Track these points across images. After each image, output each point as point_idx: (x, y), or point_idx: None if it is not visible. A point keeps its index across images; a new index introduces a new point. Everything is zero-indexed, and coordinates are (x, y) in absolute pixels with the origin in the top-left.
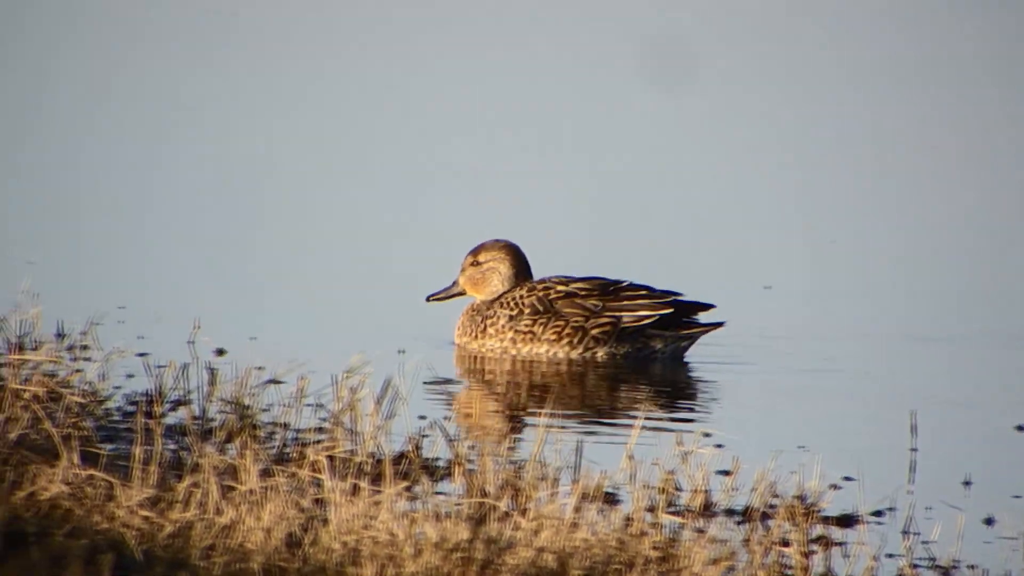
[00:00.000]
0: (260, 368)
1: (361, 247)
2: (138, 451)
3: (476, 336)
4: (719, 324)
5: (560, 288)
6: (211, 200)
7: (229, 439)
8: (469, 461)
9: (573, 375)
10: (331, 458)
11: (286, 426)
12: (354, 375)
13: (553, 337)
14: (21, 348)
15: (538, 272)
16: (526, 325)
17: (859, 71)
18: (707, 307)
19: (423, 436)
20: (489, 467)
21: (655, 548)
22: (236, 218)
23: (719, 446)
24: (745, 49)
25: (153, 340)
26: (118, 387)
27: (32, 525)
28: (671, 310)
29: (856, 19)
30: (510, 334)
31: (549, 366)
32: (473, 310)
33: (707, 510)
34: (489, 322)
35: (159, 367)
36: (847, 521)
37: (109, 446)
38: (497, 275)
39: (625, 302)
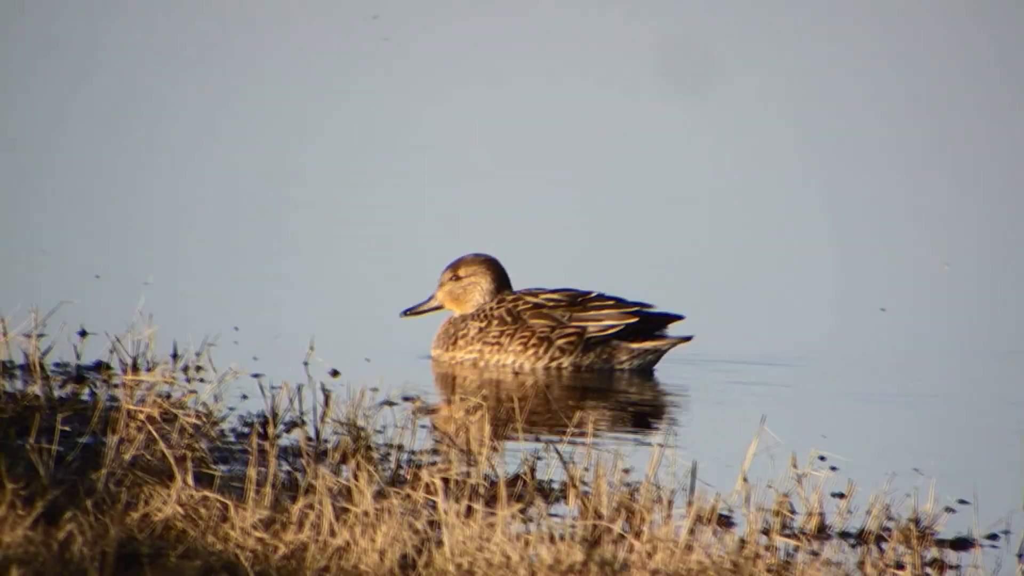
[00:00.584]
0: (374, 389)
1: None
2: (252, 472)
3: (447, 348)
4: (687, 338)
5: (529, 299)
6: (328, 219)
7: (343, 460)
8: (583, 483)
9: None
10: (446, 480)
11: (400, 448)
12: (467, 396)
13: (519, 348)
14: (136, 369)
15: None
16: (494, 336)
17: (884, 79)
18: (676, 319)
19: (537, 458)
20: (603, 489)
21: (769, 571)
22: (353, 238)
23: (834, 468)
24: (763, 56)
25: (268, 361)
26: (232, 408)
27: (146, 546)
28: (636, 319)
29: (880, 25)
30: (478, 345)
31: (600, 382)
32: (449, 323)
33: (821, 532)
34: (460, 334)
35: (274, 388)
36: (962, 544)
37: (223, 467)
38: (479, 289)
39: (591, 312)
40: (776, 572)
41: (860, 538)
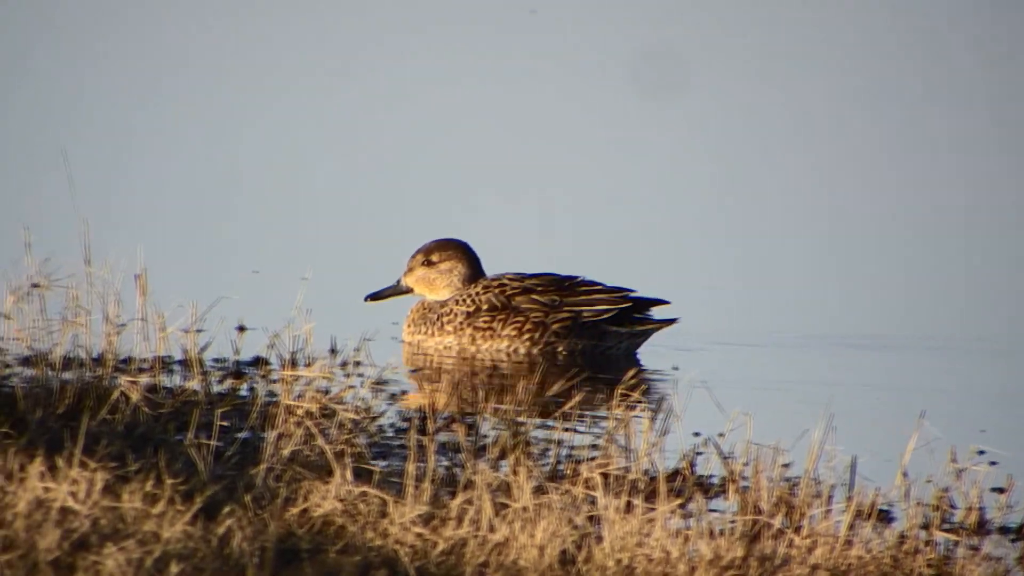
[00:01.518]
0: (535, 384)
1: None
2: (411, 468)
3: (432, 333)
4: (672, 320)
5: (515, 284)
6: (465, 206)
7: (502, 456)
8: (743, 478)
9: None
10: (605, 475)
11: (560, 443)
12: (628, 391)
13: (513, 333)
14: (294, 364)
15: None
16: (484, 322)
17: (861, 85)
18: (661, 303)
19: (697, 453)
20: (763, 484)
21: (929, 566)
22: (506, 225)
23: (993, 463)
24: (738, 61)
25: (431, 357)
26: (391, 404)
27: (305, 541)
28: (629, 304)
29: (859, 31)
30: (468, 331)
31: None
32: (425, 308)
33: (981, 528)
34: (446, 319)
35: (432, 384)
36: None
37: (382, 463)
38: (457, 275)
39: (582, 296)
40: (936, 567)
41: (1020, 533)
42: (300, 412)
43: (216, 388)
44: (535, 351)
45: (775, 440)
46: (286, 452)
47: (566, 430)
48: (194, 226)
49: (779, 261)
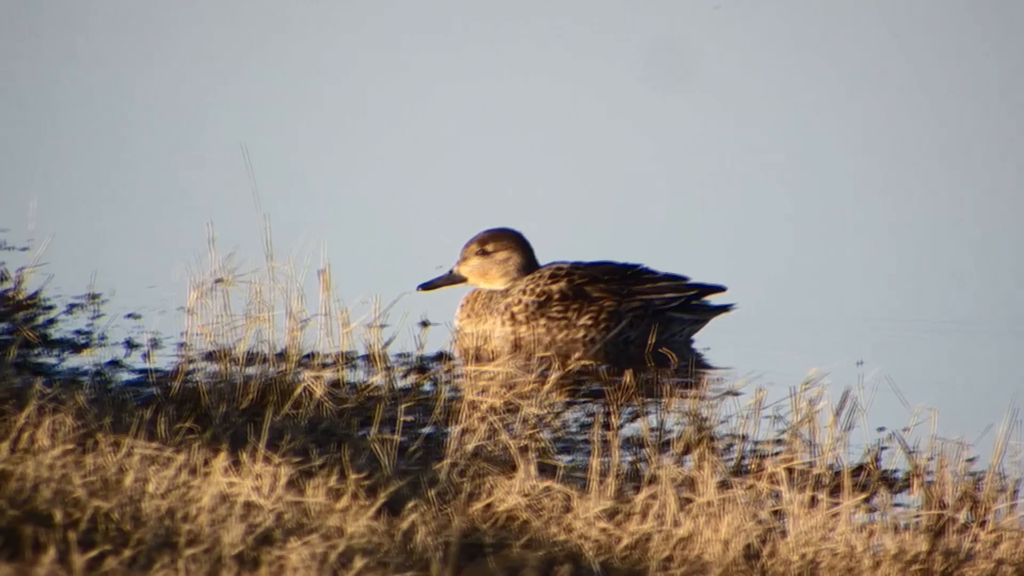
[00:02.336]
0: (718, 380)
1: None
2: (595, 463)
3: (503, 323)
4: (729, 307)
5: (582, 272)
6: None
7: (687, 451)
8: (927, 473)
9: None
10: (789, 470)
11: (744, 438)
12: (812, 386)
13: (589, 322)
14: (478, 359)
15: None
16: (558, 311)
17: (866, 77)
18: (719, 289)
19: (881, 448)
20: (947, 478)
21: None
22: (529, 214)
23: None
24: (745, 53)
25: (613, 352)
26: (575, 398)
27: (489, 536)
28: (696, 291)
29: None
30: (542, 320)
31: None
32: (484, 296)
33: None
34: (516, 309)
35: (615, 380)
36: None
37: (566, 458)
38: (513, 264)
39: (648, 285)
40: None
41: None
42: (484, 407)
43: (399, 383)
44: (608, 340)
45: (959, 435)
46: (470, 447)
47: (749, 425)
48: (378, 221)
49: (837, 248)
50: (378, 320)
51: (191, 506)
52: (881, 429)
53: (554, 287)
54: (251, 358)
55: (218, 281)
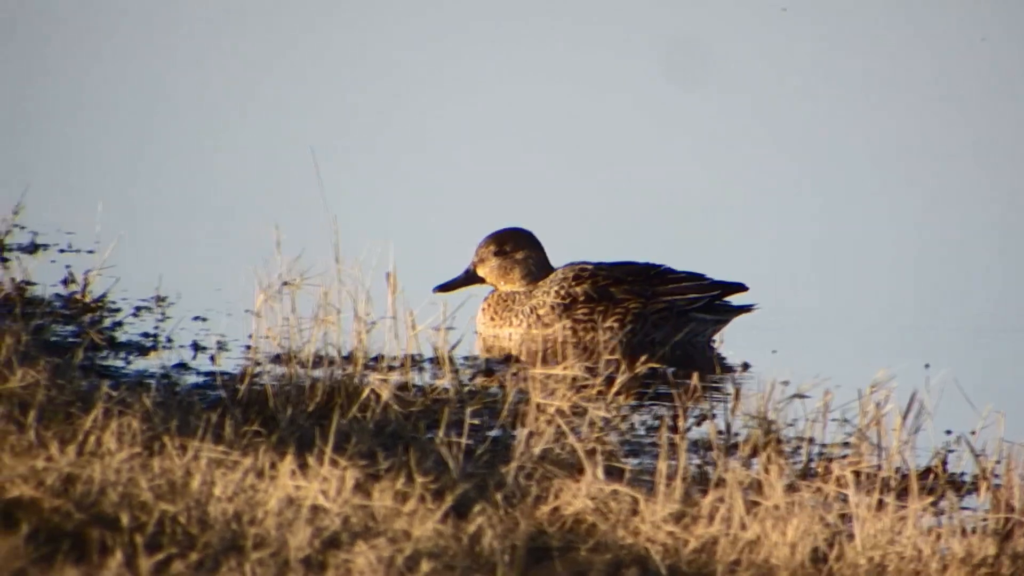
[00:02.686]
0: (785, 382)
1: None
2: (662, 466)
3: (528, 326)
4: (751, 307)
5: (605, 273)
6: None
7: (754, 454)
8: (995, 476)
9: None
10: (856, 473)
11: (811, 441)
12: (879, 388)
13: (615, 324)
14: (545, 361)
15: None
16: (584, 313)
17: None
18: (741, 288)
19: (949, 451)
20: (1015, 482)
21: None
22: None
23: None
24: (763, 49)
25: (680, 355)
26: (641, 402)
27: (556, 539)
28: (718, 291)
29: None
30: (568, 322)
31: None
32: (506, 298)
33: None
34: (542, 311)
35: (684, 382)
36: None
37: (633, 461)
38: (532, 263)
39: (671, 285)
40: None
41: None
42: (551, 410)
43: (466, 386)
44: (634, 342)
45: None
46: (537, 450)
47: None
48: (444, 223)
49: (870, 247)
50: (445, 323)
51: (258, 509)
52: (948, 432)
53: (579, 288)
54: (318, 361)
55: (285, 284)
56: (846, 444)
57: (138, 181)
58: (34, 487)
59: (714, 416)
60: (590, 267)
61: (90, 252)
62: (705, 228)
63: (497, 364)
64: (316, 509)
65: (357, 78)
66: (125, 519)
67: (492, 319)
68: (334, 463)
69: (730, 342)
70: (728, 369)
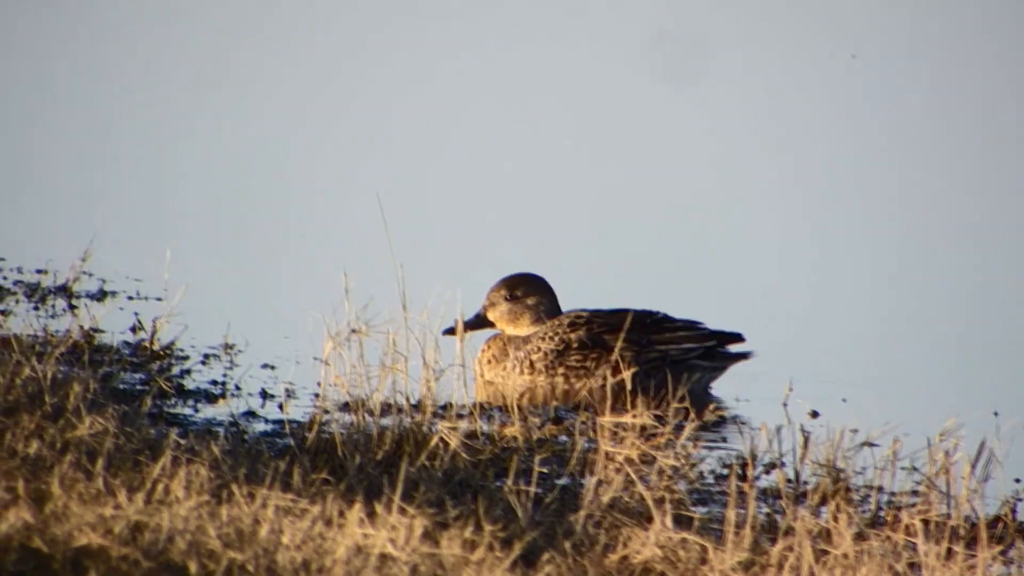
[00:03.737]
0: (854, 430)
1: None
2: (731, 514)
3: (522, 372)
4: (747, 354)
5: (601, 321)
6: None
7: (823, 502)
8: None
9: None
10: (925, 521)
11: (880, 489)
12: (948, 436)
13: (608, 372)
14: (614, 411)
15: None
16: (576, 360)
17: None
18: (738, 339)
19: (1018, 499)
20: None
21: None
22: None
23: None
24: (759, 44)
25: (749, 403)
26: (711, 449)
27: None
28: (714, 342)
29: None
30: (561, 369)
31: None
32: (504, 344)
33: None
34: (535, 357)
35: (752, 430)
36: None
37: (702, 509)
38: (543, 309)
39: (667, 334)
40: None
41: None
42: (620, 458)
43: (535, 434)
44: (627, 389)
45: None
46: (605, 498)
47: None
48: (513, 270)
49: (849, 267)
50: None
51: (326, 558)
52: (1017, 480)
53: (573, 335)
54: (386, 409)
55: (353, 331)
56: (915, 492)
57: (206, 228)
58: (102, 535)
59: (783, 464)
60: (585, 314)
61: (158, 299)
62: (733, 270)
63: (566, 412)
64: (384, 557)
65: (424, 122)
66: (193, 567)
67: (489, 362)
68: (402, 511)
69: (801, 390)
70: (814, 415)
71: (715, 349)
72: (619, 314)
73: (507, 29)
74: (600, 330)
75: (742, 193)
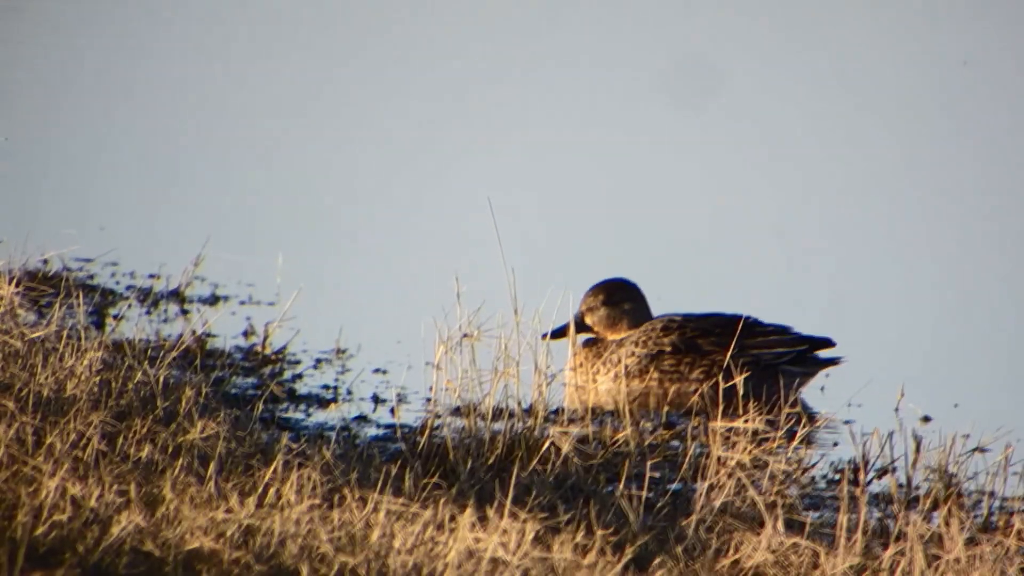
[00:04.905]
0: (965, 436)
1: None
2: (843, 519)
3: (615, 376)
4: (838, 359)
5: (693, 326)
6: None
7: (934, 507)
8: None
9: None
10: None
11: (991, 494)
12: None
13: (702, 376)
14: (726, 414)
15: None
16: (671, 365)
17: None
18: (829, 344)
19: None
20: None
21: None
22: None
23: None
24: (770, 68)
25: (861, 407)
26: (823, 454)
27: None
28: (806, 346)
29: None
30: (655, 374)
31: None
32: (596, 349)
33: None
34: (629, 362)
35: (864, 435)
36: None
37: (813, 514)
38: (638, 315)
39: (759, 339)
40: None
41: None
42: (732, 463)
43: (647, 439)
44: (719, 394)
45: None
46: (717, 503)
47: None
48: (622, 273)
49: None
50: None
51: (438, 562)
52: None
53: (666, 340)
54: (498, 413)
55: (465, 336)
56: None
57: (319, 233)
58: (214, 539)
59: (895, 469)
60: (678, 319)
61: (270, 304)
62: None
63: (678, 417)
64: (496, 562)
65: (533, 122)
66: (305, 571)
67: (580, 366)
68: (514, 516)
69: (913, 395)
70: (926, 420)
71: (806, 354)
72: (711, 318)
73: (523, 56)
74: (693, 335)
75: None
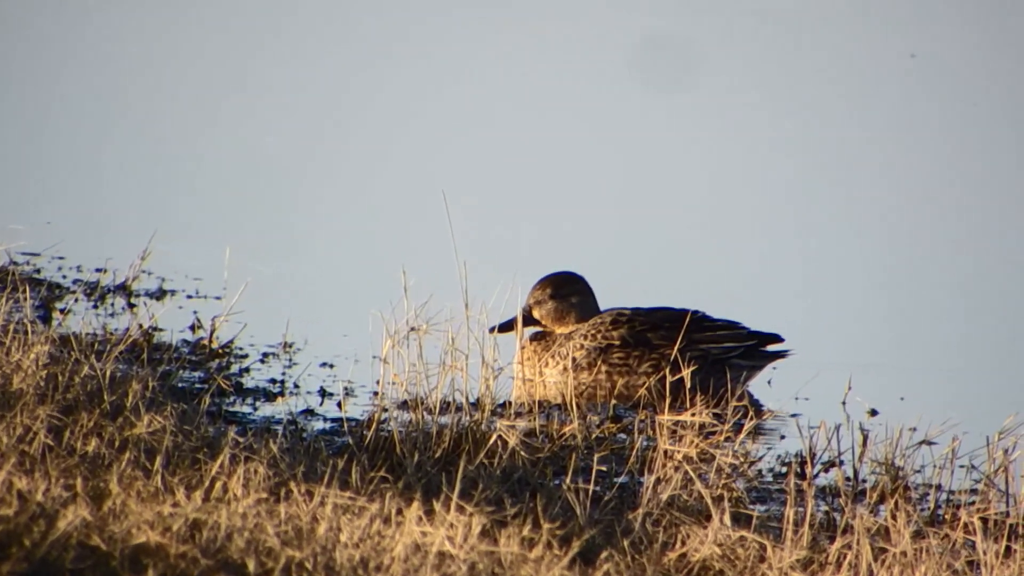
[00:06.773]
0: (912, 429)
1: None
2: (790, 512)
3: (563, 369)
4: (784, 353)
5: (642, 319)
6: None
7: (881, 500)
8: None
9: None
10: (984, 520)
11: (938, 487)
12: (1007, 435)
13: (650, 370)
14: (671, 408)
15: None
16: (619, 358)
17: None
18: (776, 339)
19: None
20: None
21: None
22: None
23: None
24: (747, 51)
25: (808, 401)
26: (770, 448)
27: None
28: (755, 341)
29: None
30: (604, 367)
31: None
32: (548, 342)
33: None
34: (578, 355)
35: (811, 428)
36: None
37: (760, 507)
38: (586, 307)
39: (707, 333)
40: None
41: None
42: (679, 456)
43: (594, 432)
44: (667, 388)
45: None
46: (664, 496)
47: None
48: (574, 266)
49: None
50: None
51: (384, 556)
52: None
53: (615, 333)
54: (445, 407)
55: (412, 330)
56: (974, 491)
57: (265, 227)
58: (160, 533)
59: (841, 463)
60: (627, 312)
61: (217, 298)
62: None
63: (625, 410)
64: (443, 555)
65: (488, 118)
66: (251, 565)
67: (528, 359)
68: (461, 509)
69: (861, 388)
70: (853, 416)
71: (754, 349)
72: (660, 312)
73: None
74: (642, 328)
75: (744, 195)
